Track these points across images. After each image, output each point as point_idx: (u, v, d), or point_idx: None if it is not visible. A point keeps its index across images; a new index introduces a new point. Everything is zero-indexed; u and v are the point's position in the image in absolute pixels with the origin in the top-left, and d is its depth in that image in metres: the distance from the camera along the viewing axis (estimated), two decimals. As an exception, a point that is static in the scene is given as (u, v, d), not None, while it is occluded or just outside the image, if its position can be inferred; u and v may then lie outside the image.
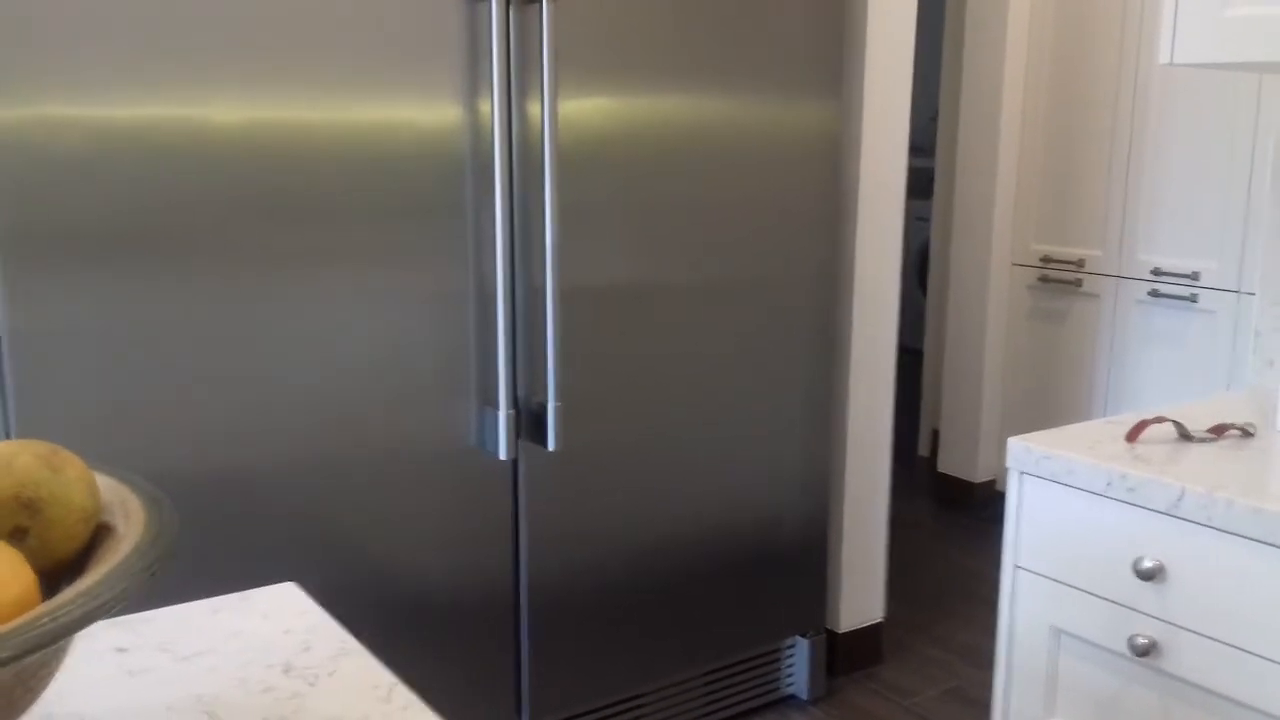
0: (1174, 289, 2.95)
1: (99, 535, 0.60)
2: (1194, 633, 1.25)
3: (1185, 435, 1.41)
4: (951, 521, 3.51)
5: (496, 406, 1.78)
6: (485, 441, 1.80)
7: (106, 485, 0.64)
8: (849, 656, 2.48)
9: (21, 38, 1.35)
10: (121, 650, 0.84)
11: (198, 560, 1.58)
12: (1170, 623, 1.27)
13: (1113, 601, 1.33)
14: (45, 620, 0.48)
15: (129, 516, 0.60)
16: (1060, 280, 3.25)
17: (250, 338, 1.57)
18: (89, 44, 1.39)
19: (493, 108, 1.70)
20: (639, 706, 2.12)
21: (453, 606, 1.82)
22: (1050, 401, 3.35)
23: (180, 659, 0.82)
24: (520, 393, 1.83)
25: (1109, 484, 1.30)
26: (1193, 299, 2.90)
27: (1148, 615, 1.29)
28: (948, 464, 3.63)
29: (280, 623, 0.89)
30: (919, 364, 4.15)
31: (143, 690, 0.78)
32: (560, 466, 1.89)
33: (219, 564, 1.60)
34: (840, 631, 2.46)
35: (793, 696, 2.37)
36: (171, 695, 0.77)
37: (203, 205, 1.50)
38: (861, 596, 2.48)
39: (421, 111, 1.65)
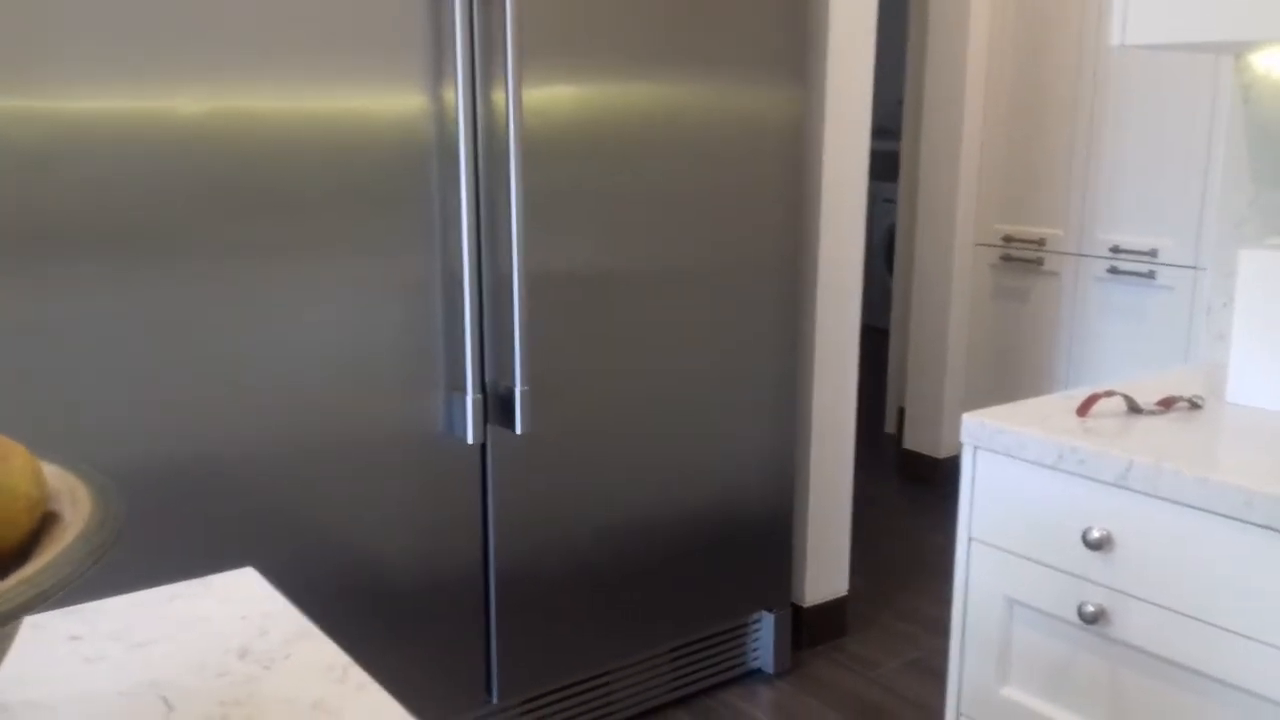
0: (1133, 266, 2.99)
1: (46, 523, 0.60)
2: (1141, 600, 1.28)
3: (1135, 408, 1.44)
4: (916, 497, 3.55)
5: (464, 391, 1.79)
6: (453, 426, 1.81)
7: (54, 474, 0.64)
8: (814, 630, 2.52)
9: (-32, 24, 1.33)
10: (76, 638, 0.84)
11: (162, 547, 1.58)
12: (1118, 590, 1.30)
13: (1063, 571, 1.36)
14: (-11, 607, 0.49)
15: (76, 504, 0.61)
16: (1022, 259, 3.29)
17: (215, 326, 1.56)
18: (45, 35, 1.37)
19: (457, 96, 1.70)
20: (607, 683, 2.14)
21: (422, 589, 1.83)
22: (1013, 378, 3.39)
23: (135, 645, 0.83)
24: (488, 377, 1.83)
25: (1060, 457, 1.33)
26: (1151, 275, 2.94)
27: (1097, 584, 1.32)
28: (913, 440, 3.68)
29: (238, 608, 0.90)
30: (886, 343, 4.18)
31: (97, 677, 0.78)
32: (528, 450, 1.91)
33: (184, 551, 1.60)
34: (805, 606, 2.49)
35: (759, 670, 2.40)
36: (126, 681, 0.77)
37: (165, 196, 1.49)
38: (826, 571, 2.51)
39: (386, 100, 1.65)
